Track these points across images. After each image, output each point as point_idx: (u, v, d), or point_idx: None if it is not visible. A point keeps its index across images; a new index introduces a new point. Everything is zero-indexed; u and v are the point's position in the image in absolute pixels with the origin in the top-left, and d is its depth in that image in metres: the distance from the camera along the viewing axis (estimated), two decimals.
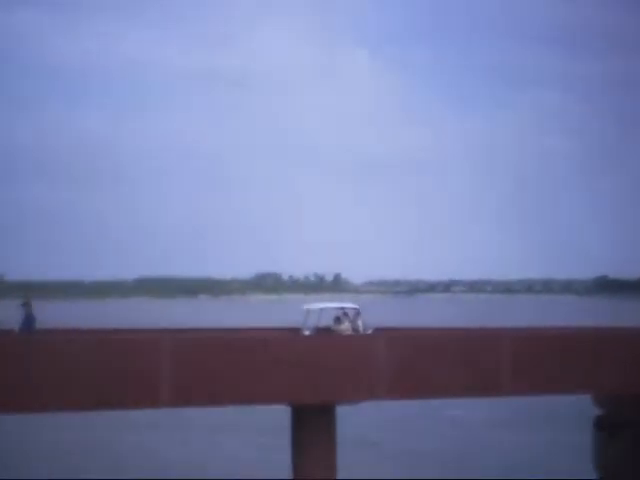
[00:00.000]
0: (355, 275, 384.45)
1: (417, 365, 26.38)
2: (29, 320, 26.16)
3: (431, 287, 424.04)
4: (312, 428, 26.38)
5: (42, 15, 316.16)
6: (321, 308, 29.75)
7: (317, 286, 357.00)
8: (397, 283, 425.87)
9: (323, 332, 28.92)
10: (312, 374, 25.62)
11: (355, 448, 36.00)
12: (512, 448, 40.80)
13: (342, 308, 29.30)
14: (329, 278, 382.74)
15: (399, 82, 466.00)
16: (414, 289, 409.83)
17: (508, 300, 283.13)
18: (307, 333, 28.75)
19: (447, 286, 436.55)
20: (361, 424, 34.67)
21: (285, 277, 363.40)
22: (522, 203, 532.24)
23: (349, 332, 28.20)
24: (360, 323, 28.68)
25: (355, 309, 29.03)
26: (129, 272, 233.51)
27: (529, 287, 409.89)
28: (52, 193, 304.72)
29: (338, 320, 28.74)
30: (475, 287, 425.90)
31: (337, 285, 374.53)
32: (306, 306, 29.79)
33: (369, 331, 28.85)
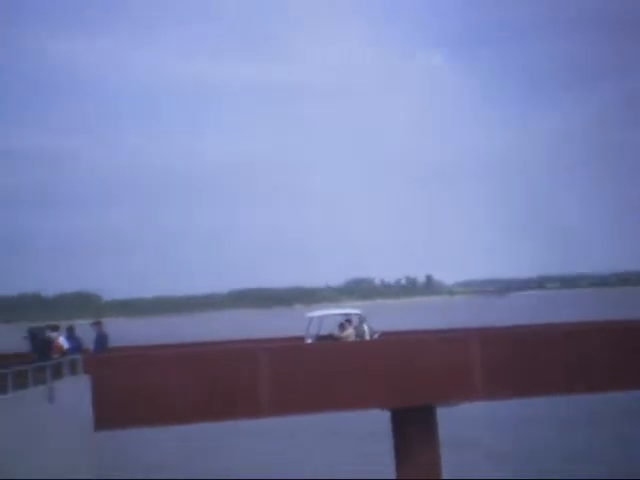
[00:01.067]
0: (447, 276, 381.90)
1: (514, 365, 26.27)
2: (101, 339, 26.96)
3: (524, 284, 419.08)
4: (414, 432, 26.41)
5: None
6: (324, 315, 29.77)
7: (409, 290, 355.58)
8: (489, 282, 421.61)
9: (325, 339, 28.85)
10: (410, 377, 25.68)
11: (456, 450, 35.79)
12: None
13: (346, 314, 29.39)
14: (421, 280, 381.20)
15: (471, 83, 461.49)
16: (506, 287, 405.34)
17: (607, 294, 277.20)
18: (309, 341, 28.87)
19: (540, 282, 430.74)
20: (453, 424, 34.37)
21: (377, 282, 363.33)
22: (610, 195, 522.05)
23: (352, 338, 28.13)
24: (366, 328, 28.51)
25: (358, 315, 28.98)
26: (223, 285, 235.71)
27: (626, 280, 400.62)
28: (141, 213, 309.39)
29: (342, 327, 28.64)
30: (569, 282, 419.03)
31: (430, 287, 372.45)
32: (309, 314, 29.62)
33: (375, 336, 28.55)
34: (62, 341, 25.61)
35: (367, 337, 28.16)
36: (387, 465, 28.40)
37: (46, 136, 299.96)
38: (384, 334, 29.53)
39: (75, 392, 23.73)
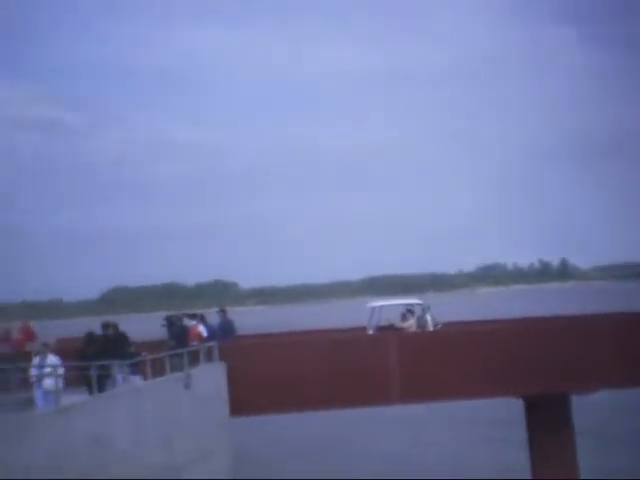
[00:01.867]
0: (583, 260, 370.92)
1: None
2: (227, 326, 27.47)
3: None
4: (548, 421, 26.02)
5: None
6: (386, 305, 29.47)
7: (543, 274, 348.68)
8: (628, 266, 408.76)
9: (386, 330, 28.52)
10: (545, 364, 25.24)
11: (590, 439, 34.92)
12: None
13: (408, 304, 28.99)
14: (555, 264, 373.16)
15: (605, 60, 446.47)
16: None
17: None
18: (371, 331, 28.62)
19: None
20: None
21: (510, 267, 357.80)
22: None
23: (413, 329, 27.63)
24: (429, 318, 28.08)
25: (420, 305, 28.50)
26: (355, 272, 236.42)
27: None
28: (271, 202, 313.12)
29: (403, 317, 28.24)
30: None
31: (564, 271, 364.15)
32: (371, 304, 29.59)
33: (438, 326, 28.07)
34: (201, 329, 26.34)
35: (430, 328, 27.82)
36: (518, 455, 28.09)
37: (198, 128, 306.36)
38: (447, 324, 29.13)
39: (211, 379, 24.37)
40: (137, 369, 21.45)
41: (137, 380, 21.35)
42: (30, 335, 22.24)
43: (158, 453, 19.62)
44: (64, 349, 24.77)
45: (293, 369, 25.41)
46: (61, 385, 17.71)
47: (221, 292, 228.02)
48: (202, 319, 27.09)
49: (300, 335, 31.25)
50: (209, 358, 25.05)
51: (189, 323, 26.12)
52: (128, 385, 20.27)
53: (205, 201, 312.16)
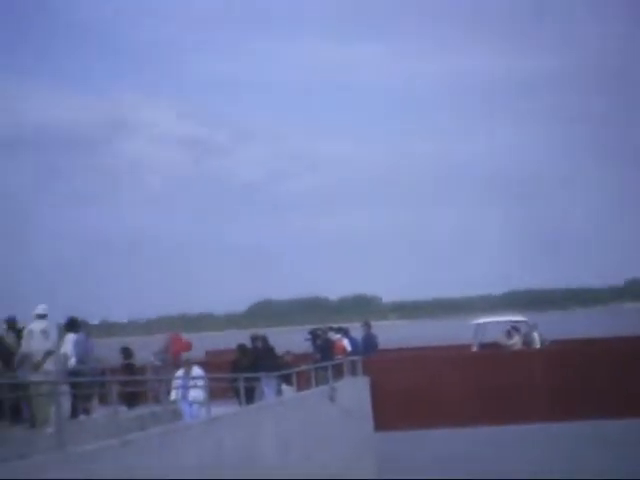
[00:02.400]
0: None
1: None
2: (370, 340, 27.47)
3: None
4: None
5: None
6: (490, 322, 28.49)
7: None
8: None
9: (490, 347, 27.68)
10: None
11: None
12: None
13: (513, 322, 27.94)
14: None
15: None
16: None
17: None
18: (474, 348, 27.78)
19: None
20: None
21: None
22: None
23: (518, 346, 26.50)
24: (536, 336, 27.04)
25: (525, 322, 27.36)
26: (496, 287, 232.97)
27: None
28: (409, 214, 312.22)
29: (508, 334, 27.26)
30: None
31: None
32: (475, 321, 28.84)
33: (546, 344, 26.93)
34: (345, 343, 26.54)
35: (537, 345, 26.97)
36: None
37: (339, 141, 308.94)
38: (555, 342, 28.09)
39: (355, 393, 24.48)
40: (289, 380, 21.82)
41: (289, 391, 21.69)
42: (185, 346, 22.79)
43: (303, 465, 19.81)
44: (212, 361, 25.42)
45: (436, 385, 25.25)
46: (205, 396, 17.90)
47: (364, 306, 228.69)
48: (346, 333, 27.29)
49: (442, 350, 31.03)
50: (353, 372, 25.18)
51: (333, 337, 26.35)
52: (276, 397, 20.60)
53: (346, 213, 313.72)
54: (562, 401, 24.72)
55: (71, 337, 18.24)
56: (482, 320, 29.41)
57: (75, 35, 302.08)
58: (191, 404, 18.72)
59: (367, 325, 28.12)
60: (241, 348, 22.20)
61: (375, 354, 26.97)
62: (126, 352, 21.27)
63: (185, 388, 18.98)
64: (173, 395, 19.02)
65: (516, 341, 27.31)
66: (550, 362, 25.01)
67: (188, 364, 19.89)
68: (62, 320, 18.87)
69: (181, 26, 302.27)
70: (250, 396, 19.82)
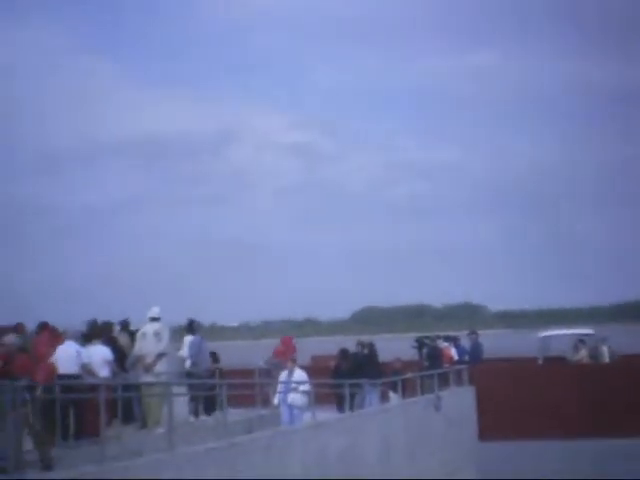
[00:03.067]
0: None
1: None
2: (476, 349, 27.16)
3: None
4: None
5: None
6: (556, 335, 27.49)
7: None
8: None
9: (556, 361, 26.83)
10: None
11: None
12: None
13: (579, 334, 26.84)
14: None
15: None
16: None
17: None
18: (540, 362, 27.09)
19: None
20: None
21: None
22: None
23: (585, 360, 25.37)
24: (605, 350, 26.07)
25: (593, 335, 26.22)
26: (604, 298, 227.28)
27: None
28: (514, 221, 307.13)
29: (576, 347, 26.36)
30: None
31: None
32: (542, 333, 28.16)
33: (616, 358, 25.90)
34: (453, 351, 26.45)
35: (605, 360, 26.12)
36: None
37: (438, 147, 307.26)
38: (627, 357, 27.05)
39: (460, 402, 24.35)
40: (396, 388, 21.84)
41: (395, 398, 21.73)
42: (291, 348, 22.91)
43: (405, 472, 19.82)
44: (317, 366, 25.60)
45: (544, 396, 24.91)
46: (306, 401, 17.91)
47: (470, 314, 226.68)
48: (455, 342, 27.19)
49: (549, 360, 30.54)
50: (459, 381, 25.05)
51: (441, 344, 26.27)
52: (380, 404, 20.65)
53: (452, 221, 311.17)
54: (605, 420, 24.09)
55: (189, 339, 18.67)
56: (548, 332, 28.89)
57: (190, 43, 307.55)
58: (291, 408, 18.39)
59: (474, 334, 27.91)
60: (342, 353, 22.26)
61: (481, 363, 26.75)
62: (213, 357, 21.47)
63: (286, 392, 18.58)
64: (276, 399, 18.81)
65: (583, 355, 26.62)
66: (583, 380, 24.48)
67: (293, 364, 19.39)
68: (180, 323, 19.36)
69: (295, 36, 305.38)
70: (351, 402, 19.90)
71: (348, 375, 20.51)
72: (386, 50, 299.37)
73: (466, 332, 28.80)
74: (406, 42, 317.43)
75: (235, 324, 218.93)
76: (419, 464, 20.77)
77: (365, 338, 24.76)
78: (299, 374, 19.16)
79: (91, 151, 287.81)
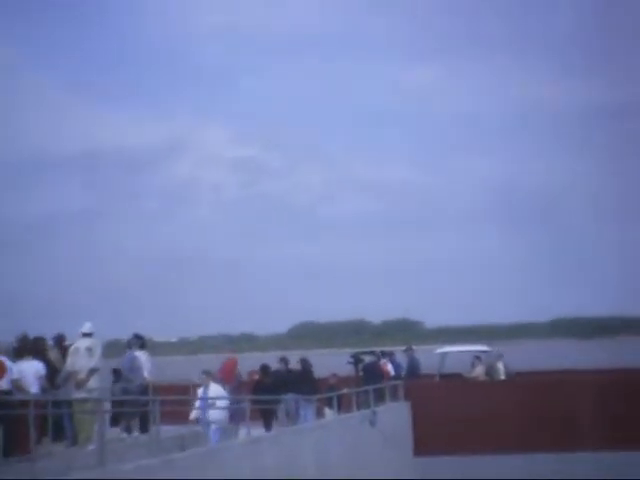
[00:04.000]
0: None
1: None
2: (413, 364, 27.32)
3: None
4: None
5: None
6: (452, 352, 27.95)
7: None
8: None
9: (452, 378, 27.13)
10: None
11: None
12: None
13: (476, 351, 27.35)
14: None
15: None
16: None
17: None
18: (436, 379, 27.38)
19: None
20: None
21: None
22: None
23: (481, 377, 25.85)
24: (501, 367, 26.44)
25: (489, 352, 26.73)
26: (543, 314, 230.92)
27: None
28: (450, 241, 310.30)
29: (472, 364, 26.63)
30: None
31: None
32: (439, 350, 28.36)
33: (512, 375, 26.24)
34: (389, 367, 26.51)
35: (501, 377, 26.39)
36: None
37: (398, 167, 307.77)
38: (520, 374, 27.23)
39: (396, 417, 24.39)
40: (331, 403, 21.76)
41: (330, 414, 21.64)
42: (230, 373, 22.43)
43: None
44: (253, 382, 25.41)
45: (480, 410, 25.04)
46: (224, 417, 17.49)
47: (407, 330, 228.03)
48: (390, 357, 27.25)
49: (445, 377, 30.67)
50: (394, 396, 25.10)
51: (380, 360, 26.33)
52: (315, 420, 20.58)
53: (394, 237, 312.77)
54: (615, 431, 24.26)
55: (138, 354, 18.54)
56: (445, 349, 28.98)
57: (133, 56, 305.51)
58: (209, 425, 17.66)
59: (410, 349, 28.02)
60: (263, 369, 21.87)
61: (417, 379, 26.84)
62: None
63: (203, 407, 17.82)
64: (192, 414, 18.05)
65: (479, 372, 26.61)
66: (596, 389, 24.64)
67: (208, 378, 18.51)
68: (117, 337, 19.17)
69: (231, 49, 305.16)
70: (270, 418, 19.65)
71: (269, 391, 20.32)
72: (335, 64, 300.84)
73: (403, 348, 28.89)
74: (354, 55, 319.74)
75: (174, 339, 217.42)
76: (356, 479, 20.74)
77: (298, 354, 24.65)
78: (215, 389, 18.41)
79: (28, 165, 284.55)
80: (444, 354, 28.47)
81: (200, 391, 18.56)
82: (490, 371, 26.60)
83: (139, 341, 18.92)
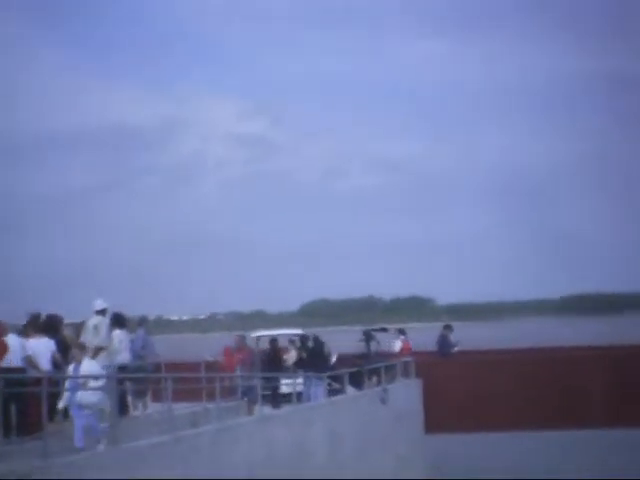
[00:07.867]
0: None
1: None
2: (445, 341, 27.21)
3: None
4: None
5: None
6: (265, 335, 27.72)
7: None
8: None
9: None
10: None
11: None
12: None
13: (289, 334, 27.08)
14: None
15: None
16: None
17: None
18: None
19: None
20: None
21: None
22: None
23: (293, 360, 25.58)
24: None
25: (300, 335, 26.46)
26: (554, 290, 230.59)
27: None
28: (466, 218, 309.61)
29: (286, 349, 25.99)
30: None
31: None
32: (254, 334, 28.10)
33: (333, 358, 25.16)
34: (410, 344, 26.63)
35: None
36: None
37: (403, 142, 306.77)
38: (341, 357, 26.03)
39: (407, 394, 24.41)
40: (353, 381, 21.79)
41: (352, 391, 21.66)
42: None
43: (353, 466, 19.81)
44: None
45: (490, 388, 25.03)
46: (100, 399, 13.76)
47: (417, 307, 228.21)
48: (401, 333, 27.26)
49: (497, 354, 30.70)
50: (406, 374, 25.12)
51: (399, 338, 26.44)
52: (327, 398, 20.61)
53: (404, 216, 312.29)
54: (620, 406, 24.27)
55: (117, 333, 17.95)
56: (260, 333, 28.73)
57: (140, 33, 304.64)
58: (80, 409, 13.87)
59: (448, 327, 27.82)
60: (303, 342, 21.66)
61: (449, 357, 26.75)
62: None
63: (73, 389, 14.06)
64: (61, 403, 14.37)
65: (292, 355, 25.82)
66: (609, 366, 24.56)
67: (82, 351, 14.96)
68: (131, 315, 19.01)
69: (243, 24, 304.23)
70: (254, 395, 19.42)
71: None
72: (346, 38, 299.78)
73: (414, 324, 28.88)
74: (364, 30, 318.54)
75: (185, 317, 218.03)
76: (368, 458, 20.79)
77: (310, 332, 24.59)
78: (89, 365, 14.56)
79: (36, 142, 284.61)
80: (259, 337, 28.27)
81: (71, 368, 14.80)
82: (300, 355, 25.18)
83: (120, 320, 18.07)
